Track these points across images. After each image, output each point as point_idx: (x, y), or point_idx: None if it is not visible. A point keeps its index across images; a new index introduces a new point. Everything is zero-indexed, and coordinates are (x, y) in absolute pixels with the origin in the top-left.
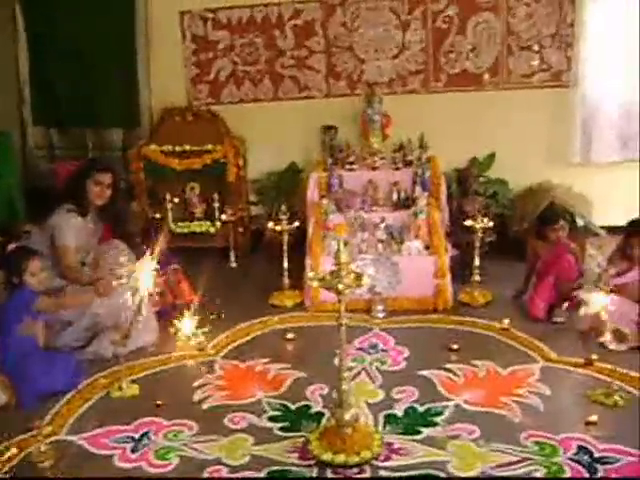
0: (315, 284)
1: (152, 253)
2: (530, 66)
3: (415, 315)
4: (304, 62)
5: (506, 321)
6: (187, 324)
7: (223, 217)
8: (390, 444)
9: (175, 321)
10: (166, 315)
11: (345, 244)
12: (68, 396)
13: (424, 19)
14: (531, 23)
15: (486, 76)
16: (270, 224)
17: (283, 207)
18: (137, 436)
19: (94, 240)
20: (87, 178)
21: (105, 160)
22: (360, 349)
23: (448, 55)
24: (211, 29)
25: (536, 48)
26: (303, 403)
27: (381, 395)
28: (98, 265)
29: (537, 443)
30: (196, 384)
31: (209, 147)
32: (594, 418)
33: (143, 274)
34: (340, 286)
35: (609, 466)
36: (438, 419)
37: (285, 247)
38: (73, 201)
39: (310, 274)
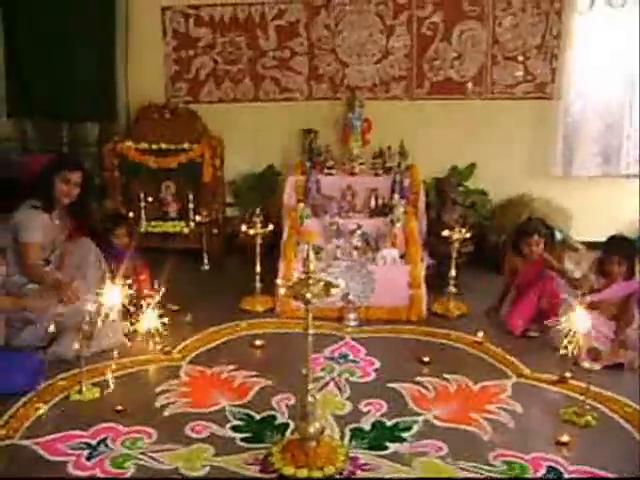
0: (283, 292)
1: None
2: (514, 76)
3: (388, 325)
4: (286, 63)
5: (480, 334)
6: (148, 319)
7: (197, 218)
8: (355, 459)
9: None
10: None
11: (319, 250)
12: (25, 398)
13: (409, 25)
14: (517, 33)
15: (469, 85)
16: (243, 227)
17: (257, 210)
18: (94, 443)
19: (60, 237)
20: (55, 175)
21: (75, 157)
22: (330, 358)
23: (432, 62)
24: (193, 26)
25: (521, 58)
26: (268, 413)
27: (349, 407)
28: (63, 263)
29: (506, 462)
30: (159, 389)
31: (185, 146)
32: (565, 438)
33: (112, 290)
34: (308, 295)
35: None
36: (406, 434)
37: (258, 251)
38: (39, 197)
39: (279, 281)
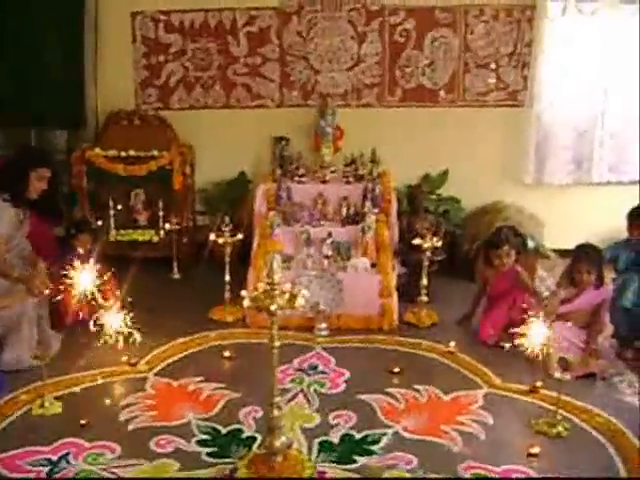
0: (247, 303)
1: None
2: (486, 84)
3: (359, 335)
4: (257, 70)
5: (452, 344)
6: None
7: (167, 226)
8: (322, 473)
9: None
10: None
11: (289, 260)
12: None
13: (381, 32)
14: (489, 41)
15: (442, 92)
16: (212, 236)
17: (226, 219)
18: (55, 458)
19: (21, 233)
20: (30, 170)
21: (44, 151)
22: (299, 369)
23: (404, 69)
24: (163, 32)
25: (493, 66)
26: (235, 427)
27: (317, 420)
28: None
29: (476, 475)
30: (124, 402)
31: (155, 153)
32: (536, 449)
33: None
34: (272, 307)
35: None
36: (375, 447)
37: (227, 260)
38: (11, 190)
39: (243, 292)
